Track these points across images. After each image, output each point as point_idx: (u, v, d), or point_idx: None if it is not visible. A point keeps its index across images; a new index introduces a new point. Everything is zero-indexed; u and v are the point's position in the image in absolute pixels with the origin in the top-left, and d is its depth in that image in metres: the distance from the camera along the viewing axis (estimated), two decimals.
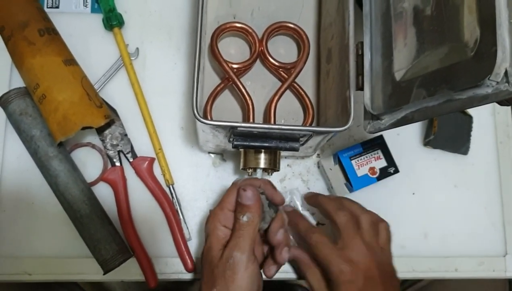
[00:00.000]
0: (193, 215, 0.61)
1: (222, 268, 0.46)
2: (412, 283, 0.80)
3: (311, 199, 0.57)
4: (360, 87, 0.49)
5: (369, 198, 0.58)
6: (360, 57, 0.50)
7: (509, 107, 0.68)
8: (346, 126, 0.47)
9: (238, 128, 0.47)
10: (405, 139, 0.65)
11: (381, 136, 0.59)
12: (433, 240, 0.64)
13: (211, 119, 0.55)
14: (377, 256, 0.48)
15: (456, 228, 0.64)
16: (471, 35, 0.39)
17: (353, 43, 0.49)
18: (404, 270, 0.61)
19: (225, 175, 0.62)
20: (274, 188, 0.52)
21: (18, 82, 0.59)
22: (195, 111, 0.46)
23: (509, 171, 0.66)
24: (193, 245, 0.60)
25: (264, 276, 0.53)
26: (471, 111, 0.66)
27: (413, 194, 0.64)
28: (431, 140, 0.64)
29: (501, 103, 0.38)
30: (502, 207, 0.66)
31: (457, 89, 0.39)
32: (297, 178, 0.63)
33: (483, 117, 0.67)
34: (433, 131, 0.63)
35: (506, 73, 0.36)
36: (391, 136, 0.61)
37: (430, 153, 0.65)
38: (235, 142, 0.49)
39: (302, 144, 0.51)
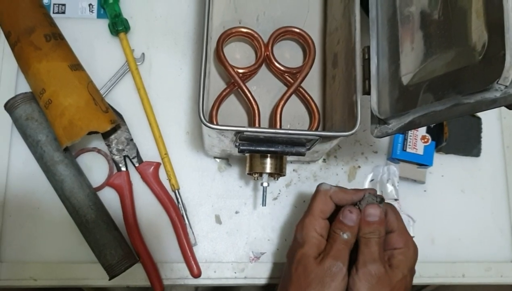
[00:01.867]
0: (198, 220, 0.60)
1: (320, 274, 0.47)
2: (417, 290, 0.79)
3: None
4: (366, 92, 0.49)
5: None
6: (366, 62, 0.50)
7: None
8: (353, 131, 0.47)
9: (245, 133, 0.47)
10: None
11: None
12: (440, 245, 0.63)
13: (217, 124, 0.55)
14: None
15: (463, 233, 0.64)
16: (479, 39, 0.39)
17: (360, 47, 0.49)
18: None
19: (230, 180, 0.62)
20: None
21: (24, 87, 0.59)
22: (201, 116, 0.46)
23: None
24: (199, 250, 0.59)
25: None
26: (479, 113, 0.66)
27: (420, 199, 0.64)
28: (443, 146, 0.64)
29: (510, 107, 0.38)
30: (509, 212, 0.65)
31: (465, 94, 0.39)
32: (303, 183, 0.63)
33: (489, 121, 0.67)
34: (444, 138, 0.63)
35: None
36: None
37: (437, 158, 0.64)
38: (241, 147, 0.49)
39: (308, 149, 0.51)
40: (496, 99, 0.37)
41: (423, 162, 0.61)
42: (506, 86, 0.36)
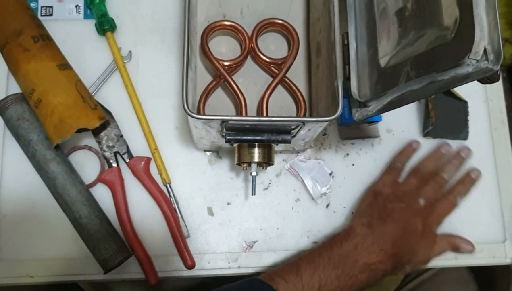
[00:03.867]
0: (190, 213, 0.61)
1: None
2: (415, 276, 0.79)
3: None
4: (347, 77, 0.50)
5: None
6: (346, 47, 0.51)
7: (502, 92, 0.68)
8: (334, 116, 0.48)
9: (229, 122, 0.48)
10: (407, 134, 0.67)
11: None
12: None
13: (203, 114, 0.56)
14: None
15: (454, 215, 0.63)
16: (450, 17, 0.40)
17: (339, 34, 0.50)
18: None
19: (221, 172, 0.63)
20: None
21: (14, 88, 0.60)
22: (185, 106, 0.46)
23: (504, 157, 0.67)
24: (192, 242, 0.60)
25: None
26: (465, 96, 0.67)
27: None
28: (430, 130, 0.64)
29: (482, 81, 0.39)
30: (499, 193, 0.66)
31: (439, 71, 0.40)
32: (292, 172, 0.64)
33: (476, 104, 0.68)
34: (431, 121, 0.64)
35: (485, 51, 0.37)
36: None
37: (425, 142, 0.65)
38: (228, 137, 0.50)
39: (294, 136, 0.52)
40: (469, 74, 0.38)
41: (371, 120, 0.62)
42: (477, 61, 0.37)
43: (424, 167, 0.63)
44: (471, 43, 0.37)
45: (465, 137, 0.66)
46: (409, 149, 0.65)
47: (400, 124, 0.66)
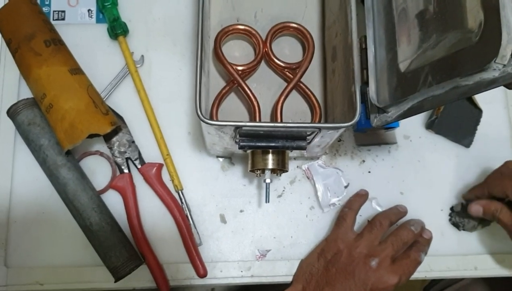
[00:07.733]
0: (203, 220, 0.60)
1: None
2: (451, 283, 0.77)
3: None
4: (365, 82, 0.49)
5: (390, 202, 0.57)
6: (364, 51, 0.49)
7: None
8: (352, 122, 0.46)
9: (243, 128, 0.47)
10: (425, 140, 0.65)
11: None
12: (451, 238, 0.62)
13: (216, 120, 0.54)
14: None
15: None
16: (475, 20, 0.38)
17: (356, 37, 0.49)
18: (422, 269, 0.59)
19: (234, 179, 0.62)
20: None
21: (26, 93, 0.60)
22: (199, 112, 0.45)
23: None
24: (204, 250, 0.59)
25: None
26: (483, 105, 0.65)
27: (427, 191, 0.63)
28: (434, 124, 0.63)
29: (509, 86, 0.37)
30: None
31: (463, 75, 0.38)
32: (307, 180, 0.62)
33: (496, 110, 0.66)
34: (436, 112, 0.62)
35: None
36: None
37: (427, 136, 0.64)
38: (241, 143, 0.49)
39: (309, 143, 0.50)
40: (495, 79, 0.37)
41: (389, 126, 0.58)
42: (504, 65, 0.36)
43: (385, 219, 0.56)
44: (497, 46, 0.35)
45: (467, 145, 0.64)
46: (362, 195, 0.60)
47: (418, 131, 0.65)
